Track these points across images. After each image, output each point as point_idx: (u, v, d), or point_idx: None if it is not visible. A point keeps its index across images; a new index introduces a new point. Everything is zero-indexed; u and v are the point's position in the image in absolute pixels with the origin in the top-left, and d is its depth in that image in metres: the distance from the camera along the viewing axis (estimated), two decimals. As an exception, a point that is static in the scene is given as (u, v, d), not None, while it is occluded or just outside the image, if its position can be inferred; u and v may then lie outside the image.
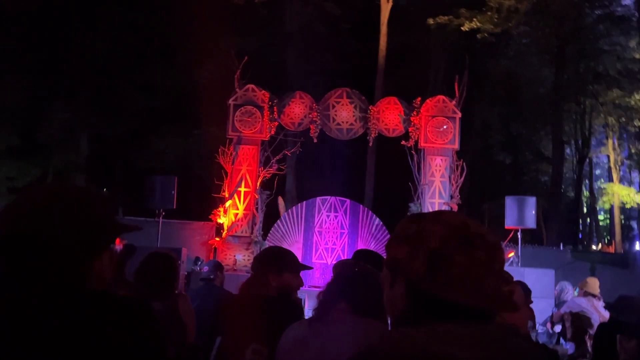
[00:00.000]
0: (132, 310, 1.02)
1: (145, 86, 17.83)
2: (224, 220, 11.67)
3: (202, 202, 13.35)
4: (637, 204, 25.13)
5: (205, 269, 5.63)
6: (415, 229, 1.18)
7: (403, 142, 11.91)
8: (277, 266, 2.76)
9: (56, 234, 1.06)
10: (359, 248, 9.70)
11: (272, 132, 11.95)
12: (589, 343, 5.82)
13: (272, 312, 2.58)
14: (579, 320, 6.22)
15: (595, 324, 5.71)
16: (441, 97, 12.03)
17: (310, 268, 3.37)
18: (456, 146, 11.79)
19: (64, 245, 1.06)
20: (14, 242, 1.05)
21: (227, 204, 11.65)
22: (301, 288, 3.03)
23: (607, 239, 30.04)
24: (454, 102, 11.82)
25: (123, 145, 19.33)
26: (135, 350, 0.97)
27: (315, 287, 10.14)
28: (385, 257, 1.32)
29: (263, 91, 11.82)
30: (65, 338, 0.95)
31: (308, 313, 2.71)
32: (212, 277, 5.42)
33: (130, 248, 3.71)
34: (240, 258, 11.35)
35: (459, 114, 11.80)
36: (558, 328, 6.93)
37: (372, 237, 12.07)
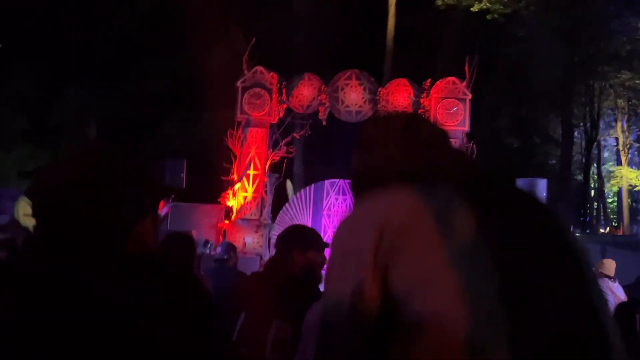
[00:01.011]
0: (174, 273, 0.99)
1: (154, 71, 17.79)
2: (233, 203, 11.66)
3: (211, 185, 13.35)
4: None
5: (219, 250, 5.63)
6: None
7: (413, 125, 11.83)
8: (303, 244, 2.74)
9: (94, 199, 1.02)
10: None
11: (281, 115, 11.89)
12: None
13: (296, 290, 2.56)
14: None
15: (611, 305, 5.67)
16: (451, 78, 11.92)
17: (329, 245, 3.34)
18: (466, 128, 11.70)
19: (106, 210, 1.03)
20: (50, 211, 1.02)
21: (236, 186, 11.64)
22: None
23: (615, 222, 29.95)
24: (464, 83, 11.72)
25: (132, 130, 19.36)
26: (177, 312, 0.94)
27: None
28: None
29: (271, 73, 11.75)
30: (100, 306, 0.91)
31: None
32: (225, 257, 5.42)
33: None
34: (250, 241, 11.36)
35: (469, 96, 11.70)
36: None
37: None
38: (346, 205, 12.33)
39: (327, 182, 12.52)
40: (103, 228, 1.01)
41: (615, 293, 5.98)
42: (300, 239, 2.77)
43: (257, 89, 11.64)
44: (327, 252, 2.96)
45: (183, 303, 0.93)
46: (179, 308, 0.92)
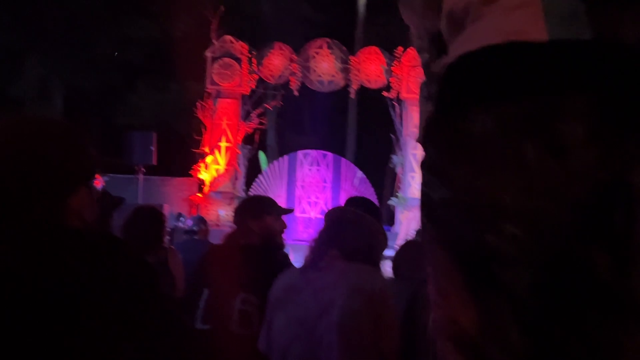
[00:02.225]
0: (111, 244, 0.94)
1: (119, 40, 17.39)
2: (205, 175, 11.56)
3: (182, 157, 13.20)
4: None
5: (189, 222, 5.58)
6: None
7: (385, 93, 11.79)
8: (255, 211, 2.71)
9: (23, 168, 0.97)
10: (341, 201, 9.70)
11: (252, 86, 11.75)
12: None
13: (257, 260, 2.52)
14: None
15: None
16: (423, 46, 11.86)
17: (290, 210, 3.32)
18: (438, 96, 11.70)
19: (33, 179, 0.98)
20: None
21: (208, 159, 11.52)
22: (285, 242, 2.98)
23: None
24: (435, 51, 11.68)
25: (99, 101, 18.98)
26: (113, 283, 0.89)
27: (299, 240, 10.16)
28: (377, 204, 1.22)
29: (241, 42, 11.56)
30: (35, 273, 0.87)
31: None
32: (195, 229, 5.38)
33: (115, 199, 3.61)
34: (224, 214, 11.30)
35: (441, 64, 11.67)
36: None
37: (355, 190, 12.07)
38: (320, 176, 12.32)
39: (300, 153, 12.47)
40: (29, 198, 0.97)
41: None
42: (252, 208, 2.75)
43: (227, 59, 11.46)
44: (286, 218, 2.95)
45: (110, 279, 0.89)
46: (104, 284, 0.88)
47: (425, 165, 0.85)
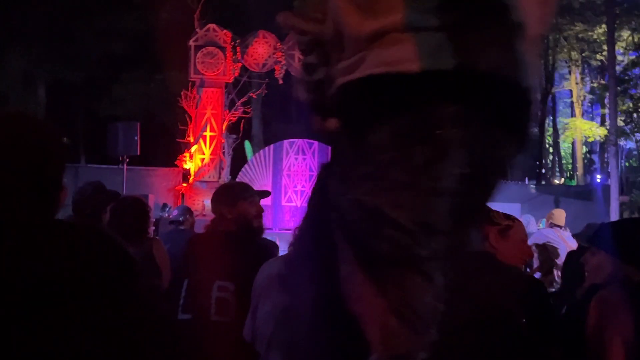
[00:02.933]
0: (92, 235, 0.94)
1: (102, 31, 17.21)
2: (190, 165, 11.51)
3: (166, 148, 13.13)
4: (599, 137, 25.68)
5: (175, 213, 5.56)
6: None
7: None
8: (229, 198, 2.69)
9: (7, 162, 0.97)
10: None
11: (236, 74, 11.68)
12: (556, 273, 5.97)
13: (234, 247, 2.51)
14: (546, 252, 6.35)
15: (563, 254, 5.84)
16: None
17: (267, 194, 3.29)
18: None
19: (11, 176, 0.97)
20: None
21: (193, 149, 11.47)
22: (273, 231, 2.97)
23: (570, 173, 30.81)
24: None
25: (83, 93, 18.79)
26: (93, 273, 0.89)
27: (286, 229, 10.16)
28: None
29: (225, 31, 11.48)
30: (12, 265, 0.87)
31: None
32: (181, 219, 5.35)
33: (110, 193, 3.58)
34: (209, 203, 11.25)
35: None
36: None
37: (341, 178, 12.07)
38: (306, 165, 12.32)
39: (286, 142, 12.45)
40: (14, 194, 0.97)
41: (567, 241, 6.15)
42: (225, 195, 2.73)
43: (211, 48, 11.38)
44: (270, 210, 2.94)
45: (89, 270, 0.88)
46: (82, 274, 0.87)
47: (332, 172, 1.07)
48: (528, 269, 7.07)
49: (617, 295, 1.72)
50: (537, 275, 6.39)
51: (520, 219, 7.86)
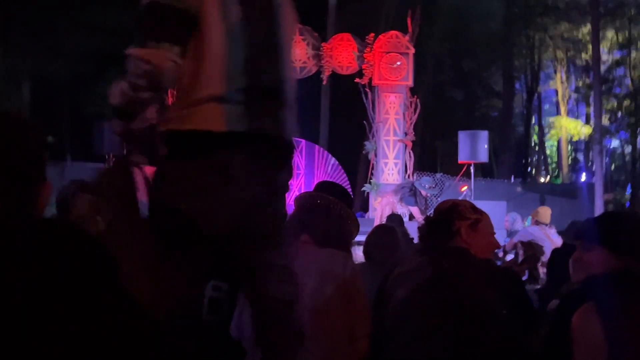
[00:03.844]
0: (72, 233, 0.93)
1: (88, 27, 17.06)
2: (177, 163, 11.45)
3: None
4: (584, 135, 25.90)
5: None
6: None
7: (357, 80, 11.78)
8: None
9: None
10: (315, 187, 9.70)
11: (223, 72, 11.64)
12: (541, 270, 6.02)
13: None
14: (531, 249, 6.40)
15: (548, 251, 5.88)
16: (394, 32, 11.88)
17: None
18: (410, 82, 11.73)
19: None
20: None
21: (180, 147, 11.42)
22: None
23: (556, 171, 31.04)
24: (407, 37, 11.70)
25: (68, 90, 18.60)
26: (75, 272, 0.89)
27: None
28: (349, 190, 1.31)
29: (212, 29, 11.43)
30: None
31: None
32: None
33: None
34: (196, 201, 11.22)
35: (412, 50, 11.70)
36: (510, 257, 7.14)
37: (329, 177, 12.08)
38: (293, 163, 12.31)
39: (272, 140, 12.44)
40: None
41: (552, 239, 6.21)
42: None
43: (198, 46, 11.32)
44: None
45: (66, 267, 0.88)
46: (59, 271, 0.86)
47: (159, 194, 1.76)
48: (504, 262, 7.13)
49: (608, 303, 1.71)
50: (526, 275, 6.44)
51: (507, 217, 7.94)
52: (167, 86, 1.74)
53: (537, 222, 6.66)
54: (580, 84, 27.38)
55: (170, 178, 1.73)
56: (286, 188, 1.97)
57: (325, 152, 12.76)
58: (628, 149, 28.10)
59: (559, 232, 6.37)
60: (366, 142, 12.11)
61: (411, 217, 9.50)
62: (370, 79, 11.71)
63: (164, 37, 1.68)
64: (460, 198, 7.17)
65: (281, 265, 1.88)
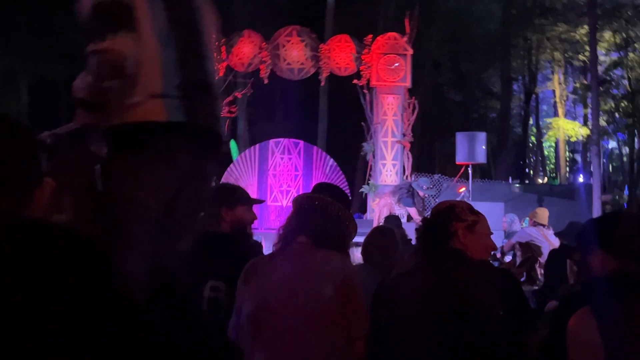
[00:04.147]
0: (67, 235, 0.93)
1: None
2: (175, 165, 11.45)
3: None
4: (582, 136, 25.92)
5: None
6: None
7: (355, 81, 11.80)
8: (230, 200, 2.70)
9: None
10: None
11: (221, 74, 11.63)
12: (539, 271, 6.03)
13: (227, 248, 2.53)
14: (529, 250, 6.41)
15: (545, 252, 5.90)
16: (392, 34, 11.90)
17: (262, 201, 3.33)
18: (408, 84, 11.76)
19: None
20: None
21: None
22: (258, 230, 2.98)
23: (553, 172, 31.07)
24: (405, 39, 11.72)
25: (67, 90, 18.59)
26: (73, 278, 0.89)
27: (272, 229, 10.15)
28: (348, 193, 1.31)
29: (210, 31, 11.42)
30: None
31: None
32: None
33: None
34: (194, 203, 11.22)
35: (410, 51, 11.73)
36: (508, 258, 7.15)
37: (327, 178, 12.08)
38: (292, 164, 12.31)
39: (271, 142, 12.43)
40: None
41: (550, 240, 6.21)
42: (226, 196, 2.73)
43: (196, 47, 11.32)
44: (256, 209, 2.95)
45: (62, 268, 0.88)
46: (54, 273, 0.86)
47: (111, 184, 1.89)
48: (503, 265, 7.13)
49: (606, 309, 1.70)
50: (523, 277, 6.44)
51: (505, 218, 7.93)
52: (131, 71, 1.86)
53: (535, 224, 6.67)
54: (578, 85, 27.42)
55: (120, 168, 1.87)
56: (212, 177, 2.20)
57: (324, 153, 12.76)
58: (626, 150, 28.15)
59: (556, 233, 6.38)
60: (364, 144, 12.12)
61: (409, 218, 9.51)
62: (369, 80, 11.73)
63: (120, 27, 1.87)
64: (458, 199, 7.19)
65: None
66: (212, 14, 2.19)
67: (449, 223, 2.21)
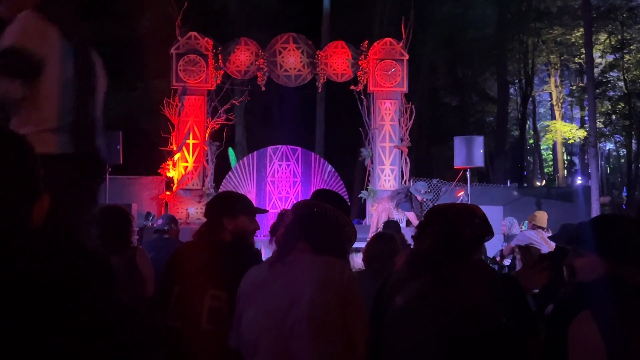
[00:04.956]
0: (66, 244, 0.94)
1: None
2: (173, 173, 11.45)
3: (149, 156, 13.04)
4: (579, 139, 25.97)
5: (160, 222, 5.52)
6: None
7: (352, 87, 11.83)
8: (233, 209, 2.69)
9: None
10: (312, 194, 9.70)
11: (218, 82, 11.66)
12: (538, 273, 6.01)
13: (228, 257, 2.52)
14: (528, 253, 6.40)
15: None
16: (388, 39, 11.94)
17: (265, 211, 3.32)
18: (404, 89, 11.79)
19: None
20: None
21: (176, 157, 11.41)
22: (257, 237, 2.98)
23: (551, 175, 31.09)
24: (401, 44, 11.76)
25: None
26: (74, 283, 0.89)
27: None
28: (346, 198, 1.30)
29: (206, 38, 11.46)
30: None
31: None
32: (166, 228, 5.32)
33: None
34: (193, 211, 11.23)
35: (407, 56, 11.77)
36: (507, 262, 7.15)
37: (325, 184, 12.10)
38: (290, 171, 12.32)
39: (269, 149, 12.44)
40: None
41: (549, 243, 6.21)
42: (229, 206, 2.72)
43: (192, 56, 11.35)
44: (259, 218, 2.95)
45: (60, 278, 0.88)
46: (53, 282, 0.87)
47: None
48: (506, 269, 7.13)
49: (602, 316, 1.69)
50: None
51: (504, 221, 7.92)
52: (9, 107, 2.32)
53: (534, 226, 6.67)
54: (574, 87, 27.49)
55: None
56: (96, 194, 2.59)
57: (322, 159, 12.77)
58: (623, 151, 28.19)
59: (550, 237, 6.39)
60: (362, 149, 12.14)
61: (408, 222, 9.51)
62: (365, 86, 11.76)
63: (18, 74, 2.25)
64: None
65: None
66: (102, 66, 2.68)
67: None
